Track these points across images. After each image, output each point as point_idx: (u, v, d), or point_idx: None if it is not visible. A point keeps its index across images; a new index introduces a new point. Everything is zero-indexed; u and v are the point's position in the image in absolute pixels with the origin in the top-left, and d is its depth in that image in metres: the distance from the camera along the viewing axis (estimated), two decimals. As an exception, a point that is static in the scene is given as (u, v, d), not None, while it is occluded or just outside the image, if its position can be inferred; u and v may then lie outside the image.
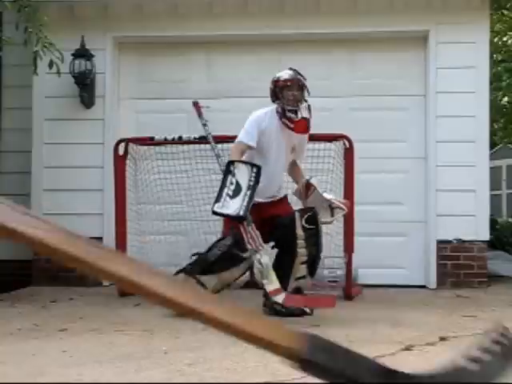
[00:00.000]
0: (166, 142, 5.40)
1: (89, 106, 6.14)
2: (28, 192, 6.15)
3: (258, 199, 4.23)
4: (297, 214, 4.26)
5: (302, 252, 4.19)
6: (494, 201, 11.06)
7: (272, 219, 4.33)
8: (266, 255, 4.09)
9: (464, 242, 5.89)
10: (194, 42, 6.27)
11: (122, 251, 5.34)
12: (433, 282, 5.86)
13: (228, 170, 4.17)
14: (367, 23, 5.99)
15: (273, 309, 4.11)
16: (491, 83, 7.27)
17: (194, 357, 3.06)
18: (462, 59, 5.94)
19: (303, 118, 4.35)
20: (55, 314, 4.49)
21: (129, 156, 5.51)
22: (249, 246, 4.08)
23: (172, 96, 6.29)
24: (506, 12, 10.70)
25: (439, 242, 5.90)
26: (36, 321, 4.16)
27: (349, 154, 5.20)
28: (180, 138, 5.32)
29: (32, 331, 3.84)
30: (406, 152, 6.09)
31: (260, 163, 4.25)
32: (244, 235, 4.10)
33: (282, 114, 4.36)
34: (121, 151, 5.44)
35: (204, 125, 4.98)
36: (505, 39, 13.91)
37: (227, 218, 4.23)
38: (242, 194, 4.07)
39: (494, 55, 12.49)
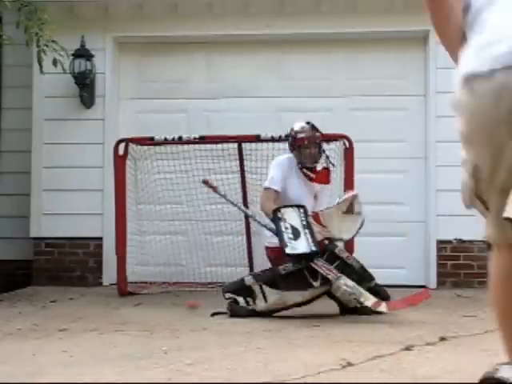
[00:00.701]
0: (166, 142, 5.40)
1: (89, 106, 6.14)
2: (28, 192, 6.14)
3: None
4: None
5: (341, 285, 4.08)
6: (494, 201, 11.05)
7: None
8: (347, 279, 4.09)
9: (464, 241, 5.89)
10: (194, 41, 6.27)
11: (121, 251, 5.35)
12: (433, 281, 5.86)
13: (277, 218, 4.25)
14: (367, 23, 5.99)
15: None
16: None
17: (193, 357, 3.06)
18: (461, 59, 5.93)
19: (325, 168, 4.56)
20: (55, 314, 4.49)
21: (129, 156, 5.52)
22: (330, 277, 4.06)
23: (172, 96, 6.29)
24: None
25: (439, 242, 5.90)
26: (36, 321, 4.16)
27: (349, 153, 5.20)
28: (180, 138, 5.32)
29: (32, 331, 3.84)
30: (406, 152, 6.09)
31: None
32: (320, 270, 4.08)
33: (302, 166, 4.60)
34: (121, 151, 5.44)
35: (224, 196, 4.92)
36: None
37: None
38: (303, 233, 4.15)
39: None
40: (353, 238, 4.50)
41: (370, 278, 4.34)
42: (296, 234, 4.13)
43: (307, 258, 4.10)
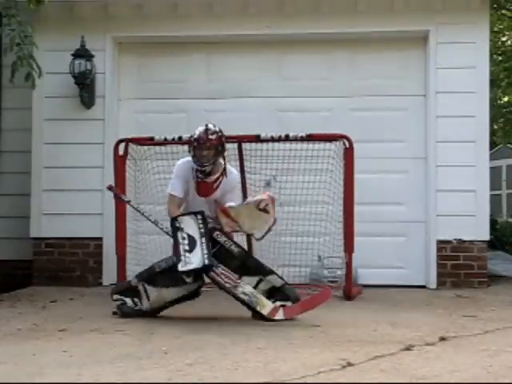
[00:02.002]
0: (166, 142, 5.39)
1: (89, 106, 6.14)
2: (28, 192, 6.14)
3: None
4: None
5: (238, 293, 4.09)
6: (494, 201, 11.05)
7: None
8: (246, 285, 4.11)
9: (464, 241, 5.89)
10: (194, 41, 6.26)
11: (121, 251, 5.35)
12: (433, 281, 5.86)
13: (175, 228, 4.21)
14: (367, 23, 5.99)
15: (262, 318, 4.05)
16: (491, 82, 7.26)
17: (193, 357, 3.06)
18: (461, 59, 5.94)
19: (206, 181, 4.36)
20: (55, 314, 4.49)
21: (129, 156, 5.51)
22: (227, 286, 4.08)
23: (172, 96, 6.28)
24: (505, 12, 10.70)
25: (439, 242, 5.90)
26: (36, 321, 4.16)
27: (348, 154, 5.20)
28: (180, 138, 5.31)
29: (32, 331, 3.84)
30: (406, 152, 6.09)
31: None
32: (219, 279, 4.09)
33: (196, 168, 4.39)
34: (121, 151, 5.43)
35: (128, 201, 4.80)
36: (504, 39, 13.92)
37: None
38: (199, 243, 4.12)
39: (494, 55, 12.48)
40: (262, 238, 4.45)
41: (263, 269, 4.25)
42: (192, 245, 4.10)
43: (200, 272, 4.09)
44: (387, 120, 6.08)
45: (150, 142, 5.43)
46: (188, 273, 4.05)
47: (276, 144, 5.44)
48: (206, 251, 4.06)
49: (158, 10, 6.14)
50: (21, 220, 6.21)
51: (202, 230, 4.16)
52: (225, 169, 4.41)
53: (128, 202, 4.76)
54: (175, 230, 4.20)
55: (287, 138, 5.28)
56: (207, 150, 4.27)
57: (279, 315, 4.02)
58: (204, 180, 4.38)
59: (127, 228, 5.47)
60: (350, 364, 2.89)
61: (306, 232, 5.69)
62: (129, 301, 4.29)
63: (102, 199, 6.01)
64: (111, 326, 3.95)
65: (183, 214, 4.34)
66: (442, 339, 3.50)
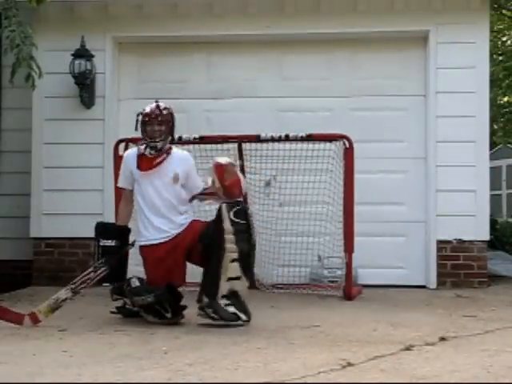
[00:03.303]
0: (165, 142, 5.38)
1: (89, 106, 6.14)
2: (28, 192, 6.14)
3: (151, 239, 4.16)
4: (224, 207, 3.94)
5: (230, 248, 3.85)
6: (494, 201, 11.04)
7: (192, 247, 4.09)
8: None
9: (464, 241, 5.89)
10: (194, 41, 6.26)
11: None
12: (433, 281, 5.86)
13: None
14: (367, 23, 5.99)
15: (205, 314, 3.93)
16: (491, 82, 7.26)
17: (193, 357, 3.06)
18: (461, 59, 5.94)
19: (147, 155, 4.17)
20: (55, 314, 4.48)
21: (129, 156, 5.50)
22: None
23: (172, 96, 6.24)
24: (505, 12, 10.70)
25: (439, 242, 5.90)
26: (36, 321, 4.15)
27: (349, 153, 5.20)
28: (180, 138, 5.31)
29: (32, 331, 3.84)
30: (406, 152, 6.09)
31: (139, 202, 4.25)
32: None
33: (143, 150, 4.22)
34: (121, 151, 5.42)
35: None
36: (504, 39, 13.92)
37: None
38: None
39: (494, 55, 12.48)
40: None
41: (250, 272, 4.07)
42: None
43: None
44: (387, 120, 6.08)
45: (149, 142, 5.42)
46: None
47: (276, 144, 5.45)
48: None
49: (158, 9, 6.14)
50: (21, 220, 6.21)
51: (95, 243, 4.25)
52: (170, 148, 4.23)
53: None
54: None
55: (287, 138, 5.29)
56: (159, 125, 4.15)
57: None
58: (146, 155, 4.18)
59: (128, 228, 5.46)
60: (350, 364, 2.88)
61: (306, 232, 5.69)
62: (128, 301, 4.26)
63: (102, 199, 6.01)
64: (111, 326, 3.95)
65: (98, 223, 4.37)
66: (442, 339, 3.50)
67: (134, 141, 5.51)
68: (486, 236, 5.94)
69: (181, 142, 5.36)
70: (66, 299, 4.12)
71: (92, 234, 6.05)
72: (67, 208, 6.08)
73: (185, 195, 4.24)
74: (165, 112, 4.21)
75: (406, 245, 6.03)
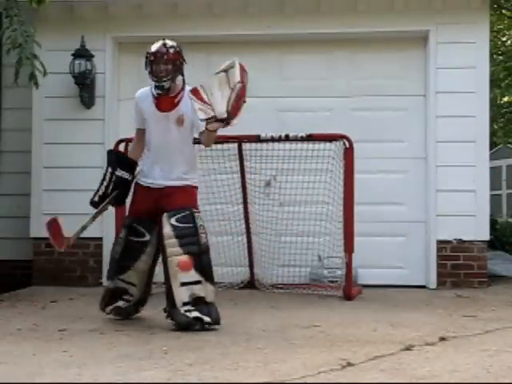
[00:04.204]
0: (165, 141, 5.38)
1: (89, 106, 6.14)
2: (28, 192, 6.14)
3: (148, 182, 4.09)
4: (164, 215, 3.91)
5: (172, 251, 3.83)
6: (494, 201, 11.04)
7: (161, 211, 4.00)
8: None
9: (464, 241, 5.89)
10: (194, 41, 6.25)
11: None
12: (433, 282, 5.86)
13: (108, 161, 4.28)
14: (367, 23, 5.99)
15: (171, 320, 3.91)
16: (491, 82, 7.26)
17: (193, 357, 3.06)
18: (461, 59, 5.94)
19: (167, 95, 4.04)
20: (55, 314, 4.49)
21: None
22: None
23: (172, 96, 6.27)
24: (505, 12, 10.70)
25: (439, 242, 5.90)
26: (36, 321, 4.16)
27: (349, 154, 5.20)
28: (180, 137, 5.31)
29: (32, 331, 3.84)
30: (406, 152, 6.09)
31: (147, 143, 4.15)
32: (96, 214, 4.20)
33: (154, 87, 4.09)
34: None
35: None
36: (504, 39, 13.91)
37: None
38: (102, 181, 4.18)
39: (494, 55, 12.48)
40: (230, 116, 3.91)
41: (209, 274, 3.92)
42: (101, 182, 4.21)
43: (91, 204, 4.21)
44: (387, 120, 6.08)
45: (149, 141, 5.42)
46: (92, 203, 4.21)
47: (276, 144, 5.45)
48: (100, 191, 4.15)
49: (158, 9, 6.14)
50: (21, 220, 6.21)
51: (110, 170, 4.16)
52: (184, 84, 4.14)
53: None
54: (107, 164, 4.24)
55: (287, 138, 5.29)
56: (165, 64, 4.03)
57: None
58: (162, 95, 4.06)
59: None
60: (350, 364, 2.89)
61: (306, 232, 5.70)
62: (120, 303, 4.19)
63: (102, 199, 6.01)
64: (111, 326, 3.95)
65: (112, 151, 4.39)
66: (442, 339, 3.50)
67: (134, 141, 5.53)
68: (486, 236, 5.94)
69: (181, 141, 5.36)
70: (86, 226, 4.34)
71: (92, 234, 6.06)
72: (67, 208, 6.06)
73: (188, 136, 4.11)
74: (171, 50, 4.10)
75: (406, 245, 6.03)
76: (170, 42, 4.14)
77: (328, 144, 5.40)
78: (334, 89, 6.17)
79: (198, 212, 4.01)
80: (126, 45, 6.32)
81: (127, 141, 5.47)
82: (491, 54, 7.74)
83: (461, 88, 5.91)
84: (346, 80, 6.19)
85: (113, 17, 6.18)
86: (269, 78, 6.23)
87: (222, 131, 5.57)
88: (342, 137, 5.26)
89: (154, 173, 4.08)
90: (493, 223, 7.93)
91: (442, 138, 5.91)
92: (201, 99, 3.84)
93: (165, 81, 4.02)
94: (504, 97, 14.33)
